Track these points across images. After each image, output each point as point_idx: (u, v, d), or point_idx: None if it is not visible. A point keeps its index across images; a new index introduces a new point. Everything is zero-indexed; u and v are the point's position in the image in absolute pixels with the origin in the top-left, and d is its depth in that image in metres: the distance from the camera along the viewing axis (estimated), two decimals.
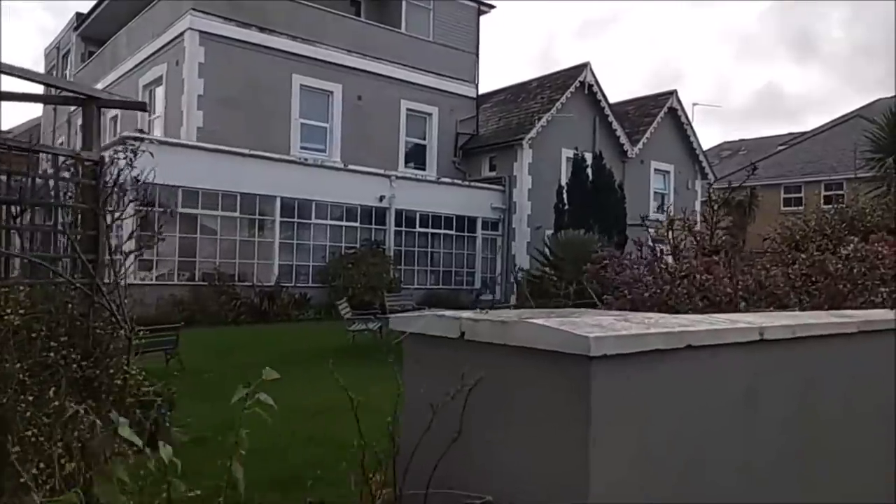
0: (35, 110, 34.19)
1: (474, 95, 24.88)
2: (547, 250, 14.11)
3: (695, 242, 4.65)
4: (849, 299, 3.92)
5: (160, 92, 20.76)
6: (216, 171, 17.21)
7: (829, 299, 3.93)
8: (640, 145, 25.31)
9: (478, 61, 25.02)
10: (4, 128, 36.60)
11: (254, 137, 18.72)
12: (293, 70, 20.31)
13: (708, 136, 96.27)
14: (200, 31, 18.74)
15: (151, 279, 16.85)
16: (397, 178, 20.73)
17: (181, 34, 18.95)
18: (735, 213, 21.26)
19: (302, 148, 20.49)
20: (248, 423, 2.33)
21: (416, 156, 23.58)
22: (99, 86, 25.00)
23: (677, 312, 3.93)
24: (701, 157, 27.38)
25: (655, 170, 26.44)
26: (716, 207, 4.12)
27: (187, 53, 18.71)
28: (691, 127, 27.10)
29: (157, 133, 20.43)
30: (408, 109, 23.03)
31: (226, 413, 7.16)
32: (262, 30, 19.74)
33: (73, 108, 28.26)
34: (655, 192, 26.27)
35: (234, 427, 2.20)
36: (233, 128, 18.61)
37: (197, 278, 17.18)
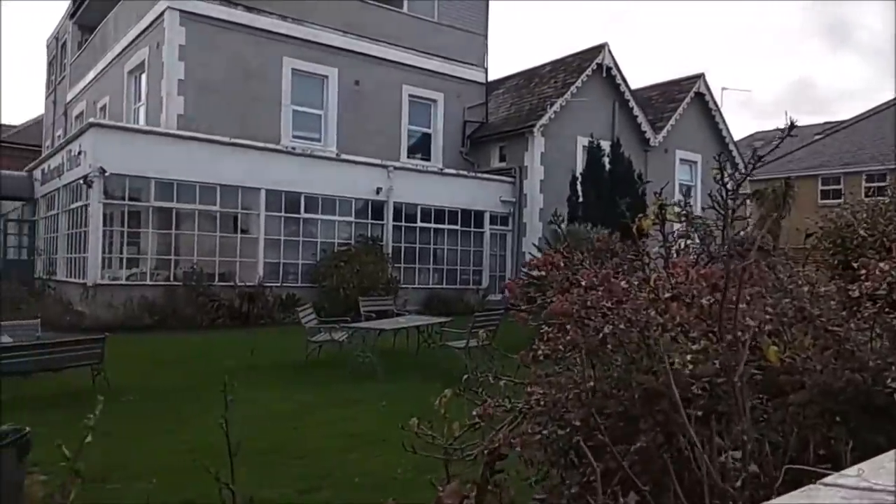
0: (39, 107, 33.37)
1: (483, 80, 23.12)
2: (547, 247, 12.39)
3: (697, 241, 3.04)
4: None
5: (144, 78, 19.44)
6: (192, 161, 15.80)
7: None
8: (663, 133, 23.35)
9: (487, 44, 23.26)
10: (15, 123, 35.98)
11: (240, 125, 17.29)
12: (283, 52, 18.81)
13: (739, 126, 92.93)
14: (181, 11, 17.33)
15: (122, 279, 15.52)
16: (396, 168, 19.12)
17: (161, 14, 17.56)
18: (769, 205, 19.29)
19: (294, 137, 19.00)
20: None
21: (421, 146, 21.94)
22: (91, 74, 23.93)
23: (649, 366, 2.26)
24: (731, 147, 25.27)
25: (681, 160, 24.44)
26: (729, 188, 2.41)
27: (167, 34, 17.31)
28: (720, 113, 25.03)
29: (142, 122, 19.15)
30: (410, 96, 21.39)
31: (120, 455, 5.56)
32: (248, 9, 18.26)
33: (69, 99, 27.31)
34: (681, 184, 24.24)
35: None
36: (217, 115, 17.19)
37: (173, 278, 15.80)
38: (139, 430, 6.87)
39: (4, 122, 36.01)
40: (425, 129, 22.02)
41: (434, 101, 21.93)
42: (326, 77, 19.65)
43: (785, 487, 1.22)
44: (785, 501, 0.74)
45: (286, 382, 9.32)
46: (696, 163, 24.76)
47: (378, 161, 18.84)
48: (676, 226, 3.71)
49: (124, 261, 15.80)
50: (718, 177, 2.76)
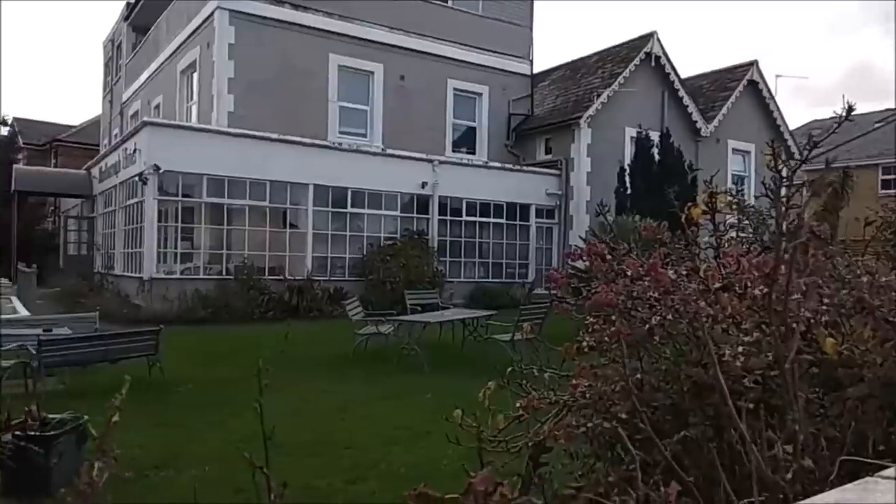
0: (97, 107, 34.54)
1: (529, 73, 22.92)
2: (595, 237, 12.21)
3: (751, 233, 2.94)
4: None
5: (196, 77, 19.90)
6: (243, 157, 16.12)
7: None
8: (715, 122, 22.76)
9: (532, 36, 23.04)
10: (74, 123, 37.34)
11: (288, 122, 17.54)
12: (330, 49, 18.99)
13: (794, 115, 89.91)
14: (230, 11, 17.66)
15: (176, 273, 15.96)
16: (441, 163, 19.13)
17: (211, 14, 17.94)
18: (826, 195, 18.60)
19: (341, 133, 19.18)
20: None
21: (466, 139, 21.89)
22: (144, 75, 24.63)
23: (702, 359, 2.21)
24: (787, 136, 24.47)
25: (733, 150, 23.80)
26: (783, 174, 2.32)
27: (217, 34, 17.68)
28: (774, 101, 24.26)
29: (194, 120, 19.62)
30: (455, 89, 21.35)
31: (173, 444, 5.74)
32: (295, 7, 18.50)
33: (124, 99, 28.18)
34: (733, 175, 23.63)
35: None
36: (265, 112, 17.50)
37: (225, 272, 16.19)
38: (194, 420, 7.06)
39: (64, 122, 37.46)
40: (470, 123, 21.96)
41: (479, 94, 21.85)
42: (372, 73, 19.77)
43: (840, 481, 1.17)
44: (837, 494, 0.70)
45: (334, 375, 9.45)
46: (749, 153, 24.08)
47: (423, 155, 18.89)
48: (729, 217, 3.61)
49: (178, 255, 16.22)
50: (771, 164, 2.67)
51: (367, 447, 6.23)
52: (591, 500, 1.42)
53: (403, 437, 6.50)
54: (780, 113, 24.35)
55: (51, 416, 5.28)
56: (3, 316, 10.37)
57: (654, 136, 19.12)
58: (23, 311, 11.35)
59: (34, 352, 7.89)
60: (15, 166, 25.14)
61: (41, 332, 8.60)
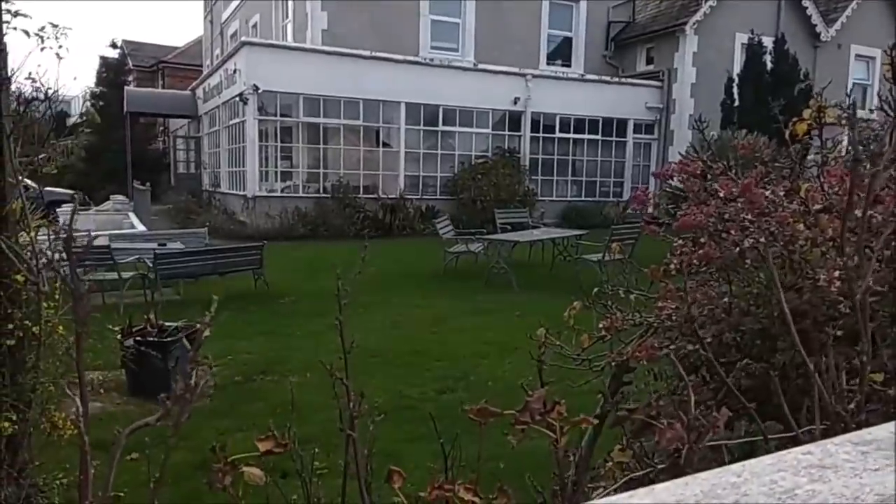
0: (198, 28, 35.40)
1: None
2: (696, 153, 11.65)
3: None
4: None
5: None
6: (336, 76, 16.24)
7: None
8: (837, 25, 20.74)
9: None
10: (179, 44, 38.58)
11: (381, 38, 17.41)
12: None
13: None
14: None
15: (277, 191, 16.60)
16: (534, 77, 18.56)
17: None
18: None
19: (433, 48, 18.86)
20: None
21: (561, 51, 21.03)
22: None
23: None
24: None
25: (857, 56, 21.71)
26: None
27: None
28: None
29: (290, 39, 19.82)
30: None
31: (277, 352, 6.17)
32: None
33: (224, 19, 28.74)
34: (856, 84, 21.64)
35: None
36: (358, 29, 17.41)
37: (322, 190, 16.69)
38: (295, 329, 7.51)
39: (170, 44, 38.73)
40: (566, 33, 21.02)
41: (576, 1, 20.78)
42: None
43: None
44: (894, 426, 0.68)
45: (426, 291, 9.71)
46: (874, 59, 21.89)
47: (516, 69, 18.36)
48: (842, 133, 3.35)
49: (279, 174, 16.81)
50: (889, 74, 2.43)
51: (456, 360, 6.45)
52: (643, 422, 1.43)
53: (491, 351, 6.67)
54: None
55: (167, 323, 5.77)
56: (123, 231, 11.20)
57: (768, 42, 17.72)
58: (140, 227, 12.21)
59: (150, 265, 8.53)
60: (126, 88, 26.41)
61: (157, 247, 9.26)
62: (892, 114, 2.97)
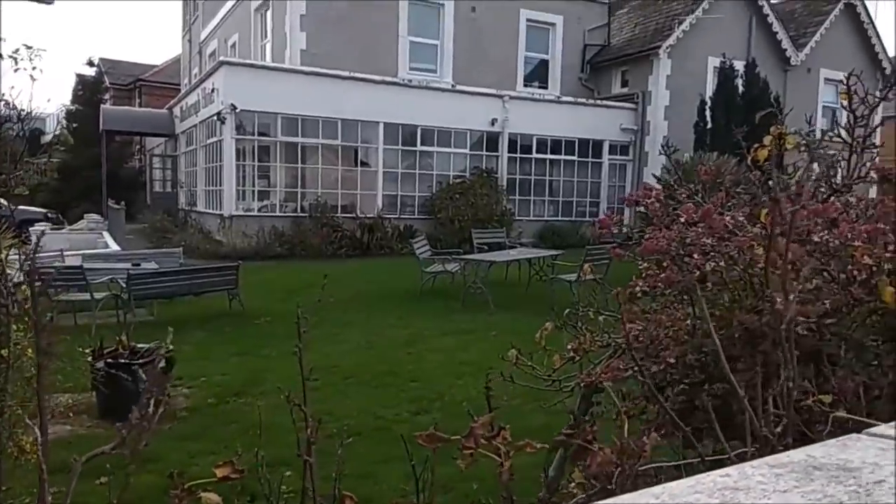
0: (177, 47, 35.37)
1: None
2: (666, 177, 11.89)
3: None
4: None
5: (269, 15, 20.04)
6: (316, 96, 16.30)
7: None
8: (806, 50, 21.30)
9: None
10: (157, 63, 38.45)
11: (360, 59, 17.52)
12: None
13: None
14: None
15: (254, 210, 16.54)
16: (511, 98, 18.78)
17: None
18: None
19: (411, 69, 19.02)
20: None
21: (538, 73, 21.31)
22: (221, 13, 24.96)
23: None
24: (886, 65, 22.68)
25: (826, 79, 22.27)
26: (858, 115, 2.26)
27: None
28: (874, 26, 22.43)
29: (268, 59, 19.87)
30: (528, 20, 20.68)
31: (251, 373, 6.12)
32: None
33: (202, 38, 28.73)
34: (825, 107, 22.22)
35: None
36: (337, 49, 17.51)
37: (300, 210, 16.66)
38: (270, 350, 7.46)
39: (147, 62, 38.60)
40: (543, 56, 21.32)
41: (552, 24, 21.11)
42: (442, 5, 19.36)
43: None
44: (817, 449, 0.72)
45: (403, 311, 9.72)
46: (842, 83, 22.45)
47: (494, 91, 18.57)
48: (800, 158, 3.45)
49: (256, 193, 16.76)
50: (845, 103, 2.53)
51: (431, 380, 6.46)
52: (580, 446, 1.47)
53: (467, 372, 6.69)
54: (879, 39, 22.53)
55: (140, 345, 5.71)
56: (96, 250, 11.06)
57: (739, 66, 18.14)
58: (114, 246, 12.07)
59: (124, 285, 8.45)
60: (102, 106, 26.23)
61: (130, 266, 9.17)
62: (849, 140, 3.08)
